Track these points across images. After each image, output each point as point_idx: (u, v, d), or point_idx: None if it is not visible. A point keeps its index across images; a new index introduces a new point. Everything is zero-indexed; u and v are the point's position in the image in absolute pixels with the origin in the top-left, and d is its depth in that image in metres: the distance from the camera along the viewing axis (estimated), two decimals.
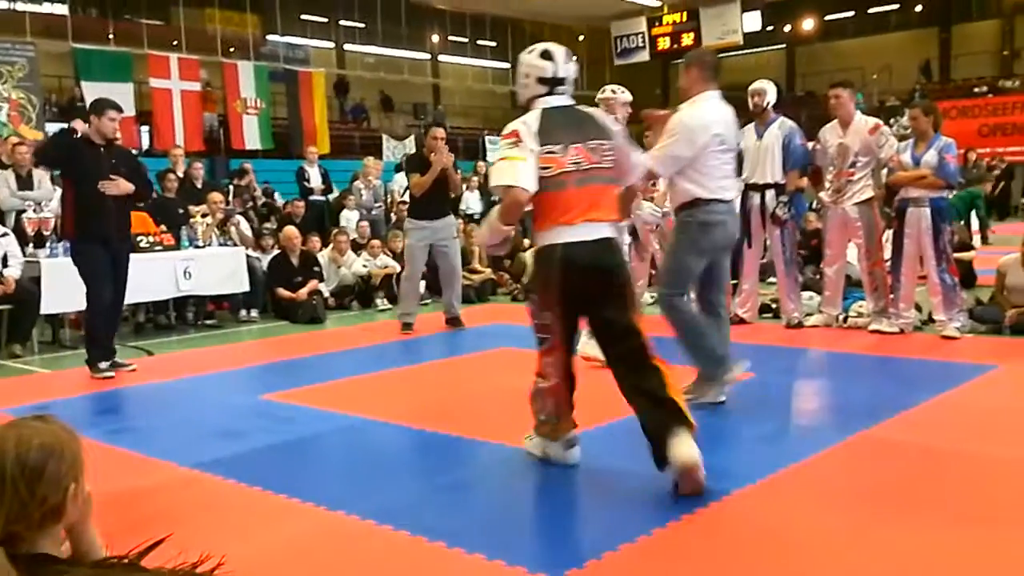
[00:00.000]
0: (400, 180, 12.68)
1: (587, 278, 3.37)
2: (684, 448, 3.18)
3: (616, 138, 3.57)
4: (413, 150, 18.85)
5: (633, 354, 3.39)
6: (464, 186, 11.95)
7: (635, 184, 4.02)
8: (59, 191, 8.76)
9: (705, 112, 4.38)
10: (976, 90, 24.35)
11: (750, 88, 7.05)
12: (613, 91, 6.16)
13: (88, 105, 5.86)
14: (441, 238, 7.64)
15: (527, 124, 3.44)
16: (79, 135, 5.84)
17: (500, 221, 3.50)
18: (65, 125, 6.35)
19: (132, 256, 6.29)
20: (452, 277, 7.84)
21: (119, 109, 5.99)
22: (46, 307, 6.99)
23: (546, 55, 3.54)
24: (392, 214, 11.85)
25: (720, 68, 4.56)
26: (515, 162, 3.37)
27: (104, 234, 5.86)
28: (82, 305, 7.21)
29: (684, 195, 4.41)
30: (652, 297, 8.55)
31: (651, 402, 3.31)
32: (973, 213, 13.70)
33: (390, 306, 9.14)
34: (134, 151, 12.22)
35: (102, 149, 5.85)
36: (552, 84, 3.53)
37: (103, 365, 5.94)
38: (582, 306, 3.45)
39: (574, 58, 3.66)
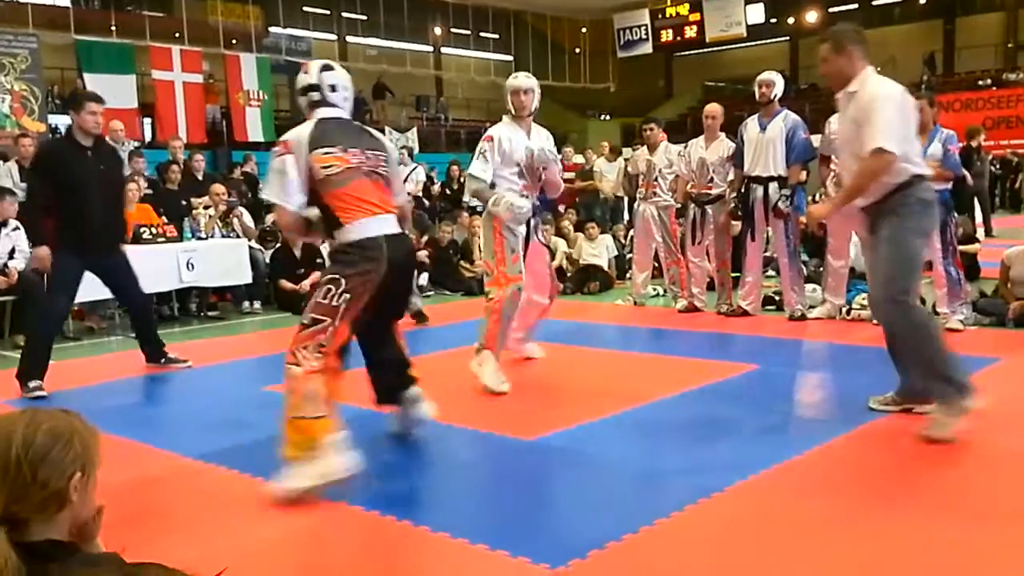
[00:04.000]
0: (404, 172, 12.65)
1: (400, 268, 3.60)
2: (426, 406, 4.02)
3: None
4: (416, 143, 18.83)
5: (392, 331, 3.91)
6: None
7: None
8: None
9: (891, 83, 3.86)
10: (980, 83, 24.29)
11: (759, 78, 7.03)
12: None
13: (67, 100, 5.67)
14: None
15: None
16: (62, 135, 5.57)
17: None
18: (67, 118, 6.21)
19: (136, 247, 6.22)
20: None
21: (100, 100, 5.51)
22: None
23: (327, 67, 3.71)
24: None
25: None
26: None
27: (84, 247, 5.37)
28: (87, 296, 7.23)
29: (897, 174, 3.79)
30: (655, 290, 8.57)
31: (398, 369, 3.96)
32: (977, 206, 13.66)
33: None
34: (135, 144, 12.21)
35: (89, 153, 5.38)
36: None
37: (32, 384, 5.17)
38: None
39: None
